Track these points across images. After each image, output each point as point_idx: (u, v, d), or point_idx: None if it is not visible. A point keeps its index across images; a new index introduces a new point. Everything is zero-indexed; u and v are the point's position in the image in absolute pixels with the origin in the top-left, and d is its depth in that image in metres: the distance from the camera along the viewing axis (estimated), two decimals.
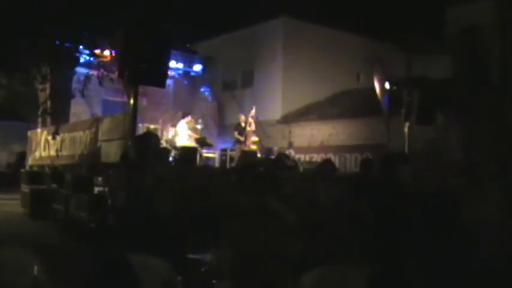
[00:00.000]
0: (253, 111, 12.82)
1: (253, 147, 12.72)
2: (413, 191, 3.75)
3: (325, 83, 16.18)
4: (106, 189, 8.29)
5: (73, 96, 10.96)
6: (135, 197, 5.61)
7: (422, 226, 3.11)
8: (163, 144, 12.00)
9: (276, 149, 13.38)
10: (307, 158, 13.51)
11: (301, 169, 10.48)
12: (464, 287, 2.85)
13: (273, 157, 11.56)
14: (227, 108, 17.64)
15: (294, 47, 16.35)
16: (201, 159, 12.26)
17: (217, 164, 13.62)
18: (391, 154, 5.57)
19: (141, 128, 12.79)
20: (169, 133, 13.37)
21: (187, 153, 11.20)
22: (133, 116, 7.82)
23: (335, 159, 12.44)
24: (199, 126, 12.88)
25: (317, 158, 13.13)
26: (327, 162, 6.41)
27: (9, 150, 16.87)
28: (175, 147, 11.98)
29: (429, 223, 3.09)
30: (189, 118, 12.68)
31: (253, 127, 12.81)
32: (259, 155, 12.26)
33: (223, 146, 14.22)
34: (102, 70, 10.68)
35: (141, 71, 7.50)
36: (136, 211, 5.31)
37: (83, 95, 10.30)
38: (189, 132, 12.49)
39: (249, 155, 11.69)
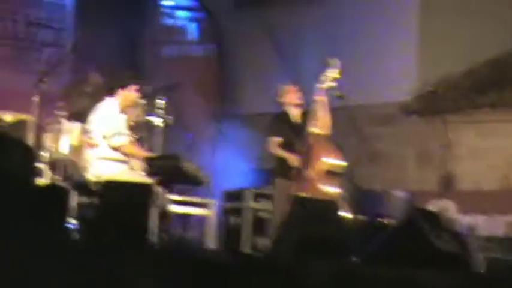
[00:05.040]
0: (331, 71, 9.69)
1: (326, 189, 9.92)
2: None
3: None
4: None
5: None
6: None
7: None
8: (40, 166, 10.89)
9: (399, 196, 11.24)
10: (493, 225, 11.11)
11: (481, 262, 9.13)
12: None
13: (391, 223, 9.98)
14: (246, 63, 14.42)
15: None
16: (165, 223, 9.72)
17: (211, 240, 11.18)
18: None
19: None
20: (59, 139, 11.40)
21: (114, 206, 9.19)
22: None
23: None
24: (157, 121, 10.91)
25: None
26: None
27: None
28: (82, 183, 9.94)
29: None
30: (129, 92, 10.27)
31: (327, 119, 9.89)
32: (346, 215, 9.75)
33: (230, 183, 11.83)
34: None
35: None
36: None
37: None
38: (128, 136, 9.92)
39: (322, 211, 9.53)
